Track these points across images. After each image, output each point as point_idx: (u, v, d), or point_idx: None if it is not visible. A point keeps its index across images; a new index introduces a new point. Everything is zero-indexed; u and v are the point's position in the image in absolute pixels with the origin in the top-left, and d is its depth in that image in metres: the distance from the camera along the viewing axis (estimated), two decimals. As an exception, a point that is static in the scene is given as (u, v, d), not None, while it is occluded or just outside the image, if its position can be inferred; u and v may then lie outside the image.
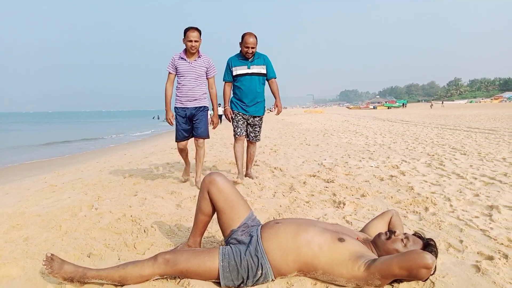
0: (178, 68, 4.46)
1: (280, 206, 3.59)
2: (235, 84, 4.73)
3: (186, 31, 4.37)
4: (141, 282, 1.94)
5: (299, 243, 1.91)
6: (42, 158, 11.80)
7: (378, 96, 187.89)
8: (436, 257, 1.94)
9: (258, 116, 4.84)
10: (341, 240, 1.90)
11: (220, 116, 30.09)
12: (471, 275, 2.02)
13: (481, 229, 2.74)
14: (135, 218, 3.20)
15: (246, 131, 4.87)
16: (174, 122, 4.53)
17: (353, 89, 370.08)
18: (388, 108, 63.61)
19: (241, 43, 4.57)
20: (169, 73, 4.54)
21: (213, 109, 4.74)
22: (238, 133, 4.84)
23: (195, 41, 4.33)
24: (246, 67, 4.62)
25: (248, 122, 4.83)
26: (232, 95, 4.88)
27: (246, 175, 5.03)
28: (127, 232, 2.86)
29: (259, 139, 4.99)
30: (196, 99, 4.53)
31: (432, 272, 1.84)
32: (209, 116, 5.14)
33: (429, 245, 1.98)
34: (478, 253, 2.33)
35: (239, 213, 2.18)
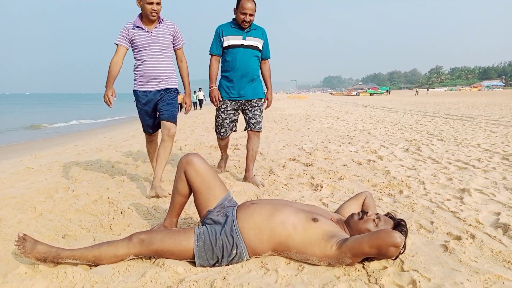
0: (134, 41, 3.38)
1: (259, 188, 3.62)
2: (225, 58, 3.77)
3: None
4: (115, 262, 1.94)
5: (273, 223, 1.94)
6: (20, 141, 11.54)
7: (361, 83, 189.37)
8: (405, 236, 2.00)
9: (257, 98, 3.88)
10: (314, 220, 1.94)
11: (200, 101, 29.25)
12: (439, 254, 2.09)
13: (451, 211, 2.83)
14: (112, 200, 3.17)
15: (245, 119, 3.90)
16: (112, 102, 3.35)
17: (337, 75, 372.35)
18: (370, 95, 64.28)
19: (236, 9, 3.66)
20: (118, 46, 3.37)
21: (184, 88, 3.70)
22: (222, 133, 3.97)
23: (157, 3, 3.29)
24: (241, 37, 3.70)
25: (243, 108, 3.88)
26: (220, 77, 3.94)
27: (246, 179, 3.88)
28: (104, 214, 2.85)
29: (261, 127, 3.89)
30: (162, 80, 3.48)
31: (401, 251, 1.90)
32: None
33: (399, 225, 2.03)
34: (447, 233, 2.41)
35: (216, 193, 2.20)
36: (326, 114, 15.40)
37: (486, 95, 42.99)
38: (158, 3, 3.27)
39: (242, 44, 3.69)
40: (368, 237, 1.80)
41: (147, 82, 3.47)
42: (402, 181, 3.69)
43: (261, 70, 3.95)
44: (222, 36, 3.71)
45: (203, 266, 1.95)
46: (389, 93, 71.58)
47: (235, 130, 4.02)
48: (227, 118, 3.88)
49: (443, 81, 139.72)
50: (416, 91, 65.08)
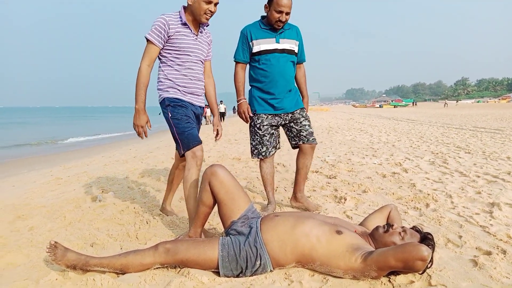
0: (177, 41, 2.61)
1: (282, 200, 3.62)
2: (257, 66, 3.14)
3: None
4: (142, 270, 1.98)
5: (297, 235, 1.94)
6: (49, 152, 11.93)
7: (384, 95, 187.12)
8: (433, 250, 1.96)
9: (299, 108, 3.24)
10: (338, 232, 1.93)
11: (222, 114, 28.65)
12: (468, 269, 2.03)
13: (480, 225, 2.75)
14: (138, 210, 3.24)
15: (291, 135, 3.23)
16: (147, 131, 2.69)
17: (359, 87, 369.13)
18: (394, 107, 63.40)
19: (268, 6, 3.03)
20: (151, 43, 2.57)
21: (212, 111, 3.04)
22: (263, 153, 3.23)
23: (216, 3, 2.61)
24: (274, 40, 3.09)
25: (284, 123, 3.24)
26: (250, 87, 3.29)
27: (296, 201, 3.33)
28: (130, 223, 2.91)
29: (315, 139, 3.24)
30: (201, 94, 2.89)
31: (428, 265, 1.86)
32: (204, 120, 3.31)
33: (426, 239, 2.00)
34: (476, 248, 2.34)
35: (240, 205, 2.22)
36: (349, 126, 15.27)
37: (516, 107, 41.68)
38: (216, 4, 2.62)
39: (276, 49, 3.10)
40: (394, 250, 1.78)
41: (191, 95, 2.77)
42: (428, 194, 3.62)
43: (295, 76, 3.37)
44: (251, 40, 3.10)
45: (227, 277, 1.96)
46: (415, 104, 70.81)
47: (279, 148, 3.38)
48: (266, 134, 3.19)
49: (470, 93, 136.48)
50: (445, 103, 63.93)
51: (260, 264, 1.95)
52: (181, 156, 2.69)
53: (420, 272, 1.89)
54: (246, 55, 3.16)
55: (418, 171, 4.97)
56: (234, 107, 49.19)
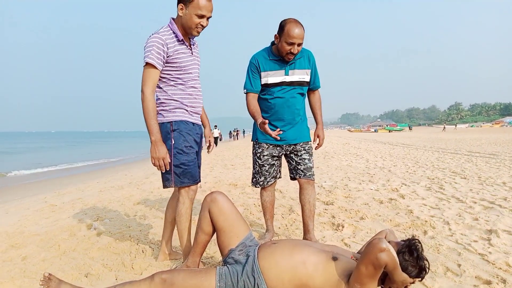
0: (176, 59, 2.47)
1: (279, 227, 3.60)
2: (262, 97, 3.04)
3: None
4: None
5: (294, 263, 1.92)
6: (43, 178, 11.83)
7: (379, 120, 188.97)
8: (420, 257, 1.93)
9: (303, 142, 3.11)
10: (334, 258, 1.91)
11: (215, 139, 28.66)
12: (469, 300, 2.01)
13: (479, 253, 2.73)
14: (133, 238, 3.20)
15: (291, 167, 3.13)
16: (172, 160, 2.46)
17: (354, 112, 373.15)
18: (389, 132, 63.87)
19: (278, 37, 2.84)
20: (153, 68, 2.40)
21: (202, 122, 2.87)
22: (261, 183, 3.16)
23: (209, 18, 2.48)
24: (283, 72, 2.95)
25: (286, 154, 3.14)
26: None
27: None
28: (125, 252, 2.87)
29: (313, 174, 3.12)
30: (200, 115, 2.73)
31: (425, 271, 1.87)
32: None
33: (410, 245, 1.97)
34: (476, 277, 2.32)
35: (238, 232, 2.20)
36: (345, 151, 15.32)
37: (509, 131, 42.13)
38: (209, 18, 2.48)
39: (284, 81, 2.96)
40: (361, 258, 1.78)
41: (195, 114, 2.63)
42: (426, 221, 3.61)
43: (309, 102, 3.27)
44: (261, 71, 2.97)
45: None
46: (410, 129, 71.85)
47: (279, 177, 3.25)
48: (266, 165, 3.11)
49: (463, 117, 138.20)
50: (444, 127, 64.73)
51: None
52: (164, 188, 2.56)
53: (417, 278, 1.85)
54: (256, 85, 2.98)
55: (415, 197, 4.97)
56: (230, 131, 49.40)
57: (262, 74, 2.97)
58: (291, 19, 2.79)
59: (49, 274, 1.98)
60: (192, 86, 2.57)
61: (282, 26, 2.79)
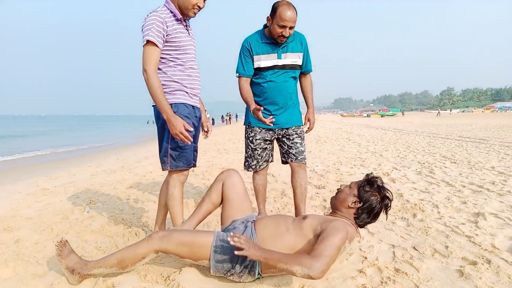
0: (176, 38, 2.41)
1: (271, 211, 3.64)
2: (255, 81, 3.03)
3: None
4: (138, 261, 1.98)
5: (281, 230, 2.05)
6: (35, 162, 11.75)
7: (372, 105, 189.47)
8: (380, 186, 2.10)
9: (295, 126, 3.12)
10: (305, 217, 2.07)
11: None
12: (455, 280, 2.07)
13: (466, 235, 2.80)
14: (126, 221, 3.22)
15: (283, 151, 3.15)
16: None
17: (347, 97, 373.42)
18: (381, 117, 64.15)
19: (271, 19, 2.80)
20: (154, 45, 2.32)
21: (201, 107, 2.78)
22: (253, 166, 3.19)
23: None
24: (275, 56, 2.92)
25: (278, 138, 3.15)
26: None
27: None
28: (119, 235, 2.89)
29: (305, 158, 3.11)
30: (198, 95, 2.67)
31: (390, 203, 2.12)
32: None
33: (368, 179, 2.15)
34: (462, 258, 2.38)
35: (244, 208, 2.35)
36: (337, 136, 15.39)
37: (499, 116, 42.56)
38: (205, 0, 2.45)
39: (277, 65, 2.94)
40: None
41: (194, 96, 2.58)
42: (415, 205, 3.67)
43: (301, 85, 3.26)
44: (253, 54, 2.95)
45: (217, 273, 2.00)
46: (403, 114, 72.58)
47: (271, 161, 3.26)
48: (258, 148, 3.12)
49: (455, 102, 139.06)
50: (439, 112, 65.37)
51: (250, 261, 1.96)
52: (163, 170, 2.54)
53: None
54: (249, 68, 2.96)
55: (405, 181, 5.03)
56: (222, 116, 49.09)
57: (255, 57, 2.93)
58: (283, 1, 2.74)
59: (66, 240, 2.10)
60: (191, 67, 2.51)
61: (274, 9, 2.75)
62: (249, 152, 3.17)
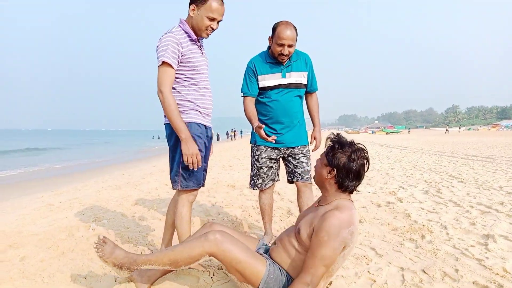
0: (190, 58, 2.44)
1: (277, 230, 3.60)
2: (260, 100, 3.06)
3: None
4: (191, 263, 1.94)
5: (291, 251, 2.00)
6: (40, 176, 11.79)
7: (376, 121, 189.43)
8: (347, 145, 1.94)
9: (301, 145, 3.13)
10: (299, 231, 1.97)
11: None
12: (466, 305, 2.03)
13: (476, 259, 2.75)
14: (132, 239, 3.20)
15: (288, 170, 3.15)
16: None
17: (352, 113, 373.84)
18: (386, 134, 64.06)
19: (271, 38, 2.91)
20: (169, 66, 2.36)
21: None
22: (259, 185, 3.18)
23: (219, 21, 2.50)
24: (279, 75, 2.97)
25: (283, 156, 3.16)
26: None
27: None
28: (124, 254, 2.86)
29: (311, 177, 3.05)
30: (211, 114, 2.69)
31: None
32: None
33: (331, 146, 1.99)
34: (473, 282, 2.34)
35: (248, 243, 2.23)
36: (342, 153, 15.32)
37: (506, 135, 42.32)
38: (219, 21, 2.49)
39: (281, 84, 2.98)
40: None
41: (207, 116, 2.61)
42: (423, 225, 3.62)
43: (307, 104, 3.27)
44: (257, 74, 3.00)
45: None
46: (409, 131, 73.18)
47: (277, 180, 3.26)
48: (264, 167, 3.12)
49: (460, 120, 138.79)
50: (447, 130, 65.48)
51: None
52: (173, 189, 2.53)
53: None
54: (254, 88, 3.00)
55: (412, 200, 4.99)
56: (227, 131, 49.28)
57: (259, 77, 2.99)
58: (283, 21, 2.84)
59: (104, 237, 2.01)
60: (204, 87, 2.54)
61: (274, 29, 2.85)
62: (255, 171, 3.16)
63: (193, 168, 2.41)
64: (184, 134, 2.32)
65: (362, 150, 1.95)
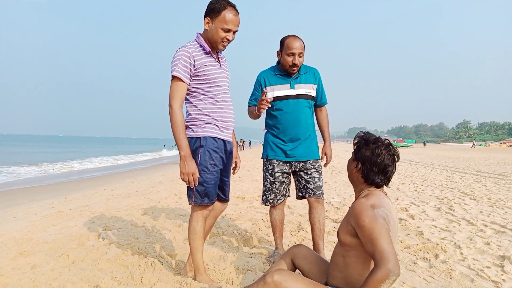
0: (205, 71, 2.44)
1: (288, 245, 3.56)
2: (270, 112, 3.08)
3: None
4: None
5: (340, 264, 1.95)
6: (49, 182, 11.88)
7: (386, 135, 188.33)
8: (372, 142, 1.95)
9: (313, 159, 3.10)
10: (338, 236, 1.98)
11: None
12: (484, 330, 1.97)
13: (493, 281, 2.69)
14: (142, 250, 3.19)
15: (299, 185, 3.11)
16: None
17: (362, 126, 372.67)
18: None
19: (280, 52, 2.99)
20: (180, 81, 2.38)
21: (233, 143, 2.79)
22: (271, 201, 3.14)
23: (235, 31, 2.47)
24: (288, 86, 3.00)
25: (295, 171, 3.11)
26: (266, 130, 3.24)
27: None
28: (134, 265, 2.85)
29: (323, 193, 3.10)
30: (231, 128, 2.64)
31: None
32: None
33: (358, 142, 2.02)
34: (490, 306, 2.28)
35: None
36: (351, 166, 15.22)
37: (518, 151, 41.76)
38: (235, 32, 2.46)
39: (291, 95, 3.00)
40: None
41: (226, 129, 2.56)
42: (437, 244, 3.55)
43: (317, 118, 3.29)
44: (265, 87, 3.03)
45: None
46: (425, 145, 75.10)
47: (288, 195, 3.21)
48: (277, 182, 3.08)
49: (471, 136, 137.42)
50: (473, 144, 68.06)
51: None
52: (189, 204, 2.52)
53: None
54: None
55: (424, 217, 4.91)
56: (241, 139, 49.69)
57: (268, 89, 3.03)
58: (289, 35, 2.96)
59: None
60: (223, 100, 2.52)
61: (282, 42, 2.96)
62: (267, 185, 3.13)
63: (208, 183, 2.41)
64: (183, 151, 2.34)
65: (388, 145, 1.98)
